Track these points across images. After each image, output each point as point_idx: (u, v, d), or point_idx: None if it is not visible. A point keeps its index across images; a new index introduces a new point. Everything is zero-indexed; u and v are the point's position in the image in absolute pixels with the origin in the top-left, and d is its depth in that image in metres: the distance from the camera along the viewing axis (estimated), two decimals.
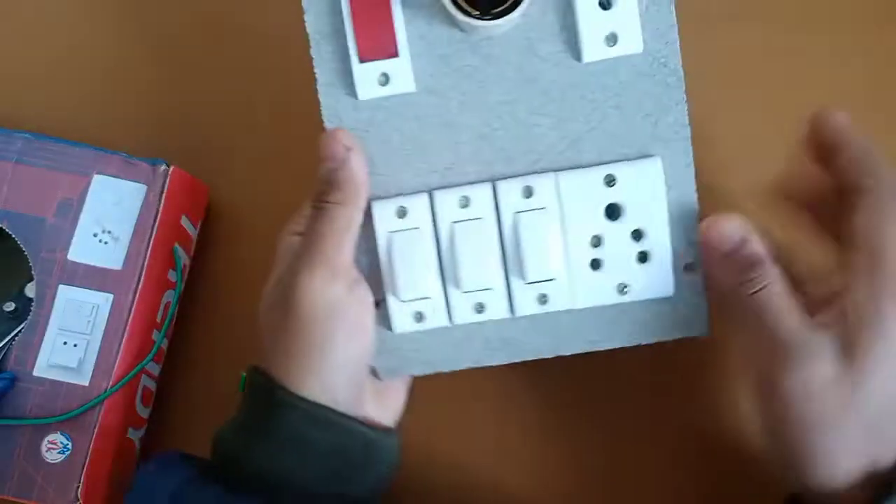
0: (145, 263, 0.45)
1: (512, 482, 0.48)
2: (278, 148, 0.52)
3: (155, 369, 0.47)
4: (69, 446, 0.44)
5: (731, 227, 0.37)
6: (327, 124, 0.40)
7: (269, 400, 0.38)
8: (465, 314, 0.40)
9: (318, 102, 0.42)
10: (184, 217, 0.47)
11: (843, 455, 0.36)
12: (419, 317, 0.40)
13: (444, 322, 0.40)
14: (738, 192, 0.47)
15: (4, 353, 0.44)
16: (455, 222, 0.39)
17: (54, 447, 0.44)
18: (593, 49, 0.38)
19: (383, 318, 0.40)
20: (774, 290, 0.36)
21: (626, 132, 0.39)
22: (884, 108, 0.51)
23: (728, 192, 0.49)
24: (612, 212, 0.39)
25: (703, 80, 0.51)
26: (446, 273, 0.40)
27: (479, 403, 0.49)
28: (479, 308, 0.40)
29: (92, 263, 0.45)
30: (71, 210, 0.45)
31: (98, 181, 0.46)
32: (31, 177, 0.46)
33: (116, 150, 0.46)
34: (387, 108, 0.39)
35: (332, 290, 0.37)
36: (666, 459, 0.48)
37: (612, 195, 0.39)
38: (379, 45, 0.38)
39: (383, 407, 0.41)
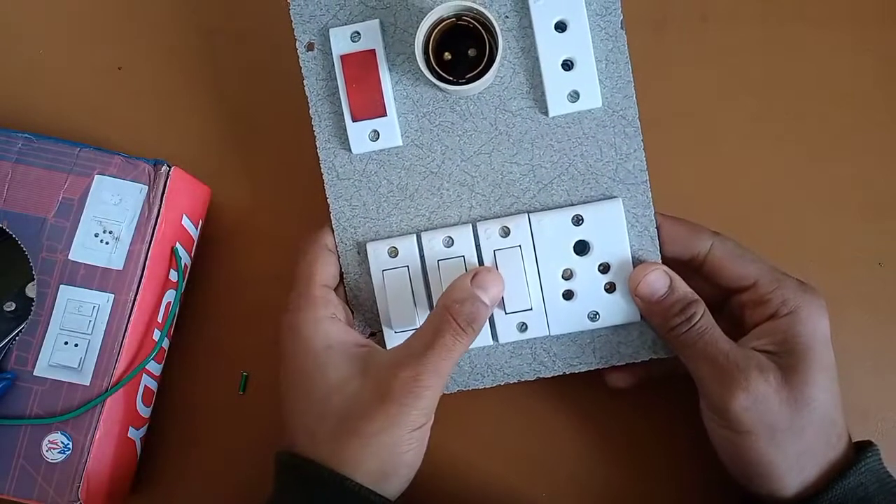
0: (146, 263, 0.45)
1: (511, 483, 0.48)
2: (278, 148, 0.52)
3: (156, 369, 0.47)
4: (69, 446, 0.44)
5: (656, 278, 0.41)
6: (326, 175, 0.44)
7: (339, 492, 0.38)
8: None
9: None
10: (185, 217, 0.47)
11: (796, 462, 0.39)
12: None
13: None
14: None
15: (5, 353, 0.44)
16: (440, 260, 0.43)
17: (54, 447, 0.44)
18: (558, 105, 0.43)
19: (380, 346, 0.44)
20: (707, 322, 0.40)
21: (591, 177, 0.43)
22: (885, 107, 0.51)
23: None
24: (581, 248, 0.43)
25: (703, 79, 0.52)
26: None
27: (478, 404, 0.49)
28: None
29: (93, 263, 0.45)
30: (72, 210, 0.45)
31: (99, 181, 0.46)
32: (32, 177, 0.46)
33: (117, 151, 0.46)
34: (377, 161, 0.44)
35: (436, 402, 0.40)
36: (668, 460, 0.48)
37: (580, 233, 0.43)
38: (370, 106, 0.43)
39: None
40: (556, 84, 0.43)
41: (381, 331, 0.45)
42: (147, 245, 0.45)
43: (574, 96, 0.43)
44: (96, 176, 0.46)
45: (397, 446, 0.39)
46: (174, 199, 0.46)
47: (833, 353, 0.40)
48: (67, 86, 0.53)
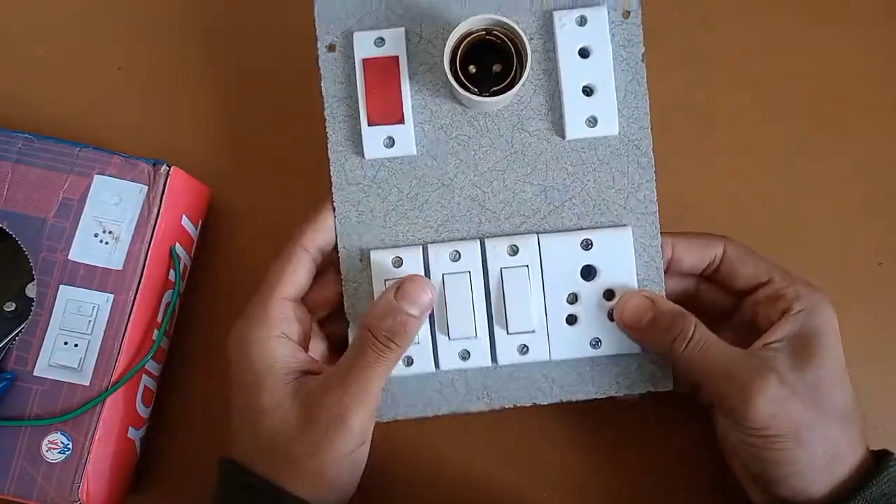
0: (146, 263, 0.45)
1: (510, 484, 0.48)
2: (278, 148, 0.52)
3: (155, 369, 0.47)
4: (69, 446, 0.44)
5: (636, 302, 0.41)
6: (334, 178, 0.43)
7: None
8: (451, 360, 0.43)
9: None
10: (184, 217, 0.48)
11: (826, 462, 0.39)
12: (408, 361, 0.43)
13: (431, 368, 0.43)
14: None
15: (5, 353, 0.44)
16: (446, 274, 0.43)
17: (54, 447, 0.44)
18: (575, 129, 0.43)
19: None
20: (704, 335, 0.40)
21: (603, 203, 0.43)
22: (885, 107, 0.51)
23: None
24: (588, 272, 0.43)
25: (703, 79, 0.52)
26: (436, 321, 0.43)
27: None
28: (465, 355, 0.43)
29: (92, 263, 0.45)
30: (71, 210, 0.45)
31: (99, 181, 0.46)
32: (32, 177, 0.46)
33: (117, 151, 0.46)
34: (389, 168, 0.44)
35: (370, 422, 0.40)
36: (669, 462, 0.48)
37: (587, 258, 0.43)
38: (387, 112, 0.43)
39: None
40: (575, 108, 0.43)
41: None
42: (147, 245, 0.45)
43: (592, 122, 0.43)
44: (96, 176, 0.46)
45: (327, 470, 0.39)
46: (174, 199, 0.46)
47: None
48: (67, 86, 0.53)
